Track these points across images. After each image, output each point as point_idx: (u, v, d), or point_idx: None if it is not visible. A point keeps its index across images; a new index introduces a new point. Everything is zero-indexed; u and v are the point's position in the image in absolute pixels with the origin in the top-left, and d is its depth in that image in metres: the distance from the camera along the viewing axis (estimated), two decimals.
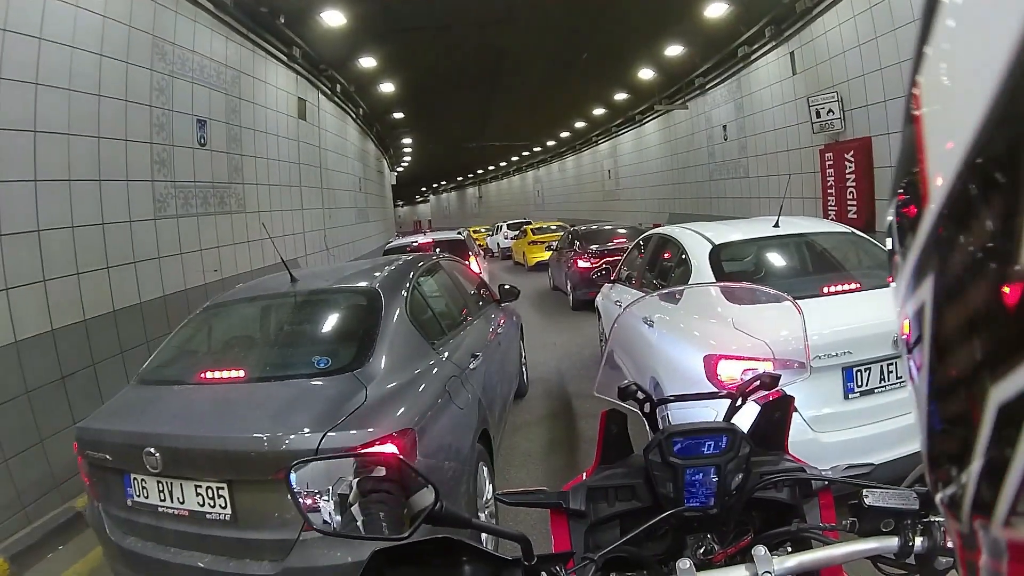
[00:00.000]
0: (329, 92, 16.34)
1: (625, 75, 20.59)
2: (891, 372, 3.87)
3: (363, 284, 4.29)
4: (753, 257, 5.28)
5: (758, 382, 1.61)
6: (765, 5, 12.97)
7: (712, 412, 1.86)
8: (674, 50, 17.15)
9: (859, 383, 3.85)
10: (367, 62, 16.62)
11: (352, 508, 1.18)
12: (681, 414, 2.10)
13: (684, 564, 1.14)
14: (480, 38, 16.16)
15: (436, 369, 3.92)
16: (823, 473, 1.42)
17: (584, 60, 18.36)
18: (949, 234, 0.41)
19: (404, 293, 4.22)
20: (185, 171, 8.14)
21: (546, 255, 19.02)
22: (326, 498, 1.19)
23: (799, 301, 1.89)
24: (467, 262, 9.51)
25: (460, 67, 18.84)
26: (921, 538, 1.16)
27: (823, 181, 11.97)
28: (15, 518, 4.76)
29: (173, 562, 3.15)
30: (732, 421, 1.52)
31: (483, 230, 35.28)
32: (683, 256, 5.34)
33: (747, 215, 11.14)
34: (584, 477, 1.56)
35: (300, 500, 1.20)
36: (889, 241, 0.53)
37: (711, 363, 3.82)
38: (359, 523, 1.17)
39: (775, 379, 1.61)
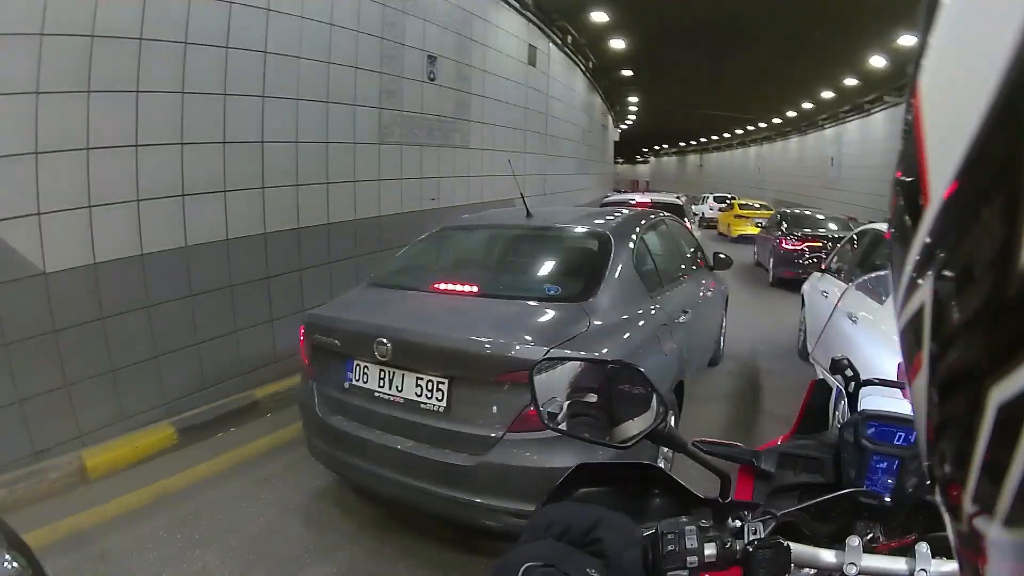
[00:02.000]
0: (560, 42, 16.11)
1: (855, 60, 18.82)
2: None
3: (596, 227, 4.43)
4: None
5: None
6: None
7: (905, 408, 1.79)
8: (908, 40, 15.35)
9: None
10: (599, 16, 16.05)
11: (582, 412, 1.24)
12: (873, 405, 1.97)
13: (854, 542, 1.08)
14: (714, 3, 15.02)
15: (650, 315, 4.04)
16: None
17: (816, 38, 16.75)
18: (948, 234, 0.40)
19: (631, 242, 4.33)
20: (412, 103, 8.25)
21: (749, 229, 21.01)
22: (560, 399, 1.25)
23: None
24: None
25: (692, 30, 17.70)
26: None
27: None
28: (196, 396, 5.09)
29: (375, 442, 3.38)
30: None
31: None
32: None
33: None
34: (778, 442, 1.56)
35: (537, 396, 1.27)
36: (888, 242, 0.50)
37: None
38: (585, 426, 1.24)
39: None
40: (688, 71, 24.02)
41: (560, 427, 1.24)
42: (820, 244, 12.22)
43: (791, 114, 32.52)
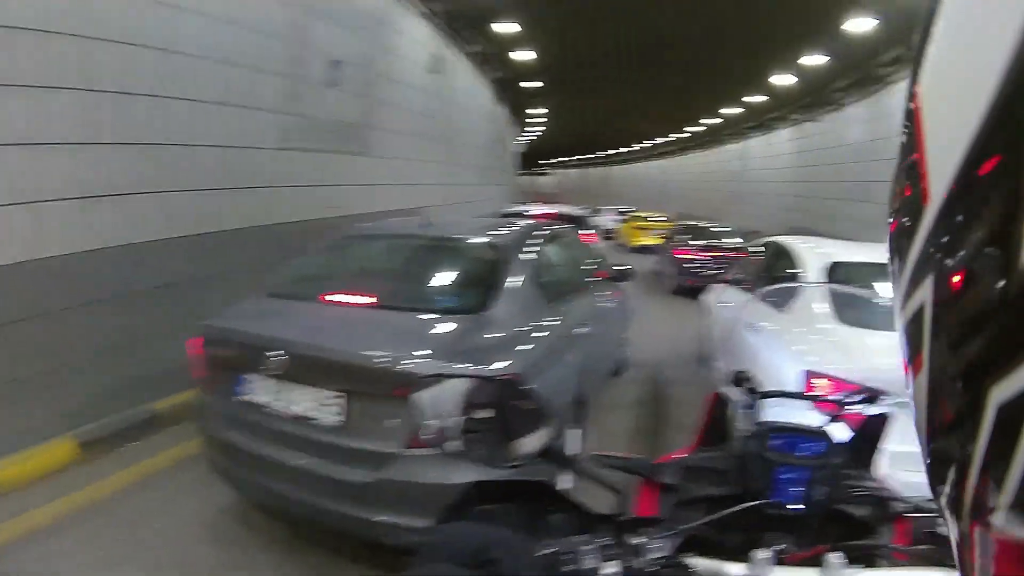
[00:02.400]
0: (466, 52, 16.14)
1: (760, 78, 19.84)
2: None
3: (493, 238, 4.44)
4: (869, 282, 4.75)
5: (861, 396, 1.63)
6: (911, 26, 11.92)
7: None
8: (813, 60, 16.41)
9: None
10: (508, 27, 16.08)
11: (470, 431, 1.26)
12: (774, 416, 1.96)
13: (760, 554, 1.07)
14: (625, 20, 15.42)
15: (549, 327, 4.03)
16: (910, 498, 1.33)
17: (724, 57, 17.49)
18: (948, 234, 0.40)
19: (529, 253, 4.34)
20: (315, 108, 7.98)
21: (648, 240, 21.75)
22: (451, 415, 1.29)
23: None
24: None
25: (601, 46, 18.14)
26: None
27: None
28: (96, 409, 4.78)
29: (272, 457, 3.27)
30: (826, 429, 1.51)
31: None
32: (797, 269, 5.12)
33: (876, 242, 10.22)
34: (679, 455, 1.55)
35: (425, 414, 1.29)
36: (888, 242, 0.51)
37: (808, 379, 3.65)
38: (474, 447, 1.21)
39: (875, 397, 1.63)
40: (595, 86, 24.62)
41: (450, 445, 1.26)
42: (720, 255, 12.77)
43: (696, 129, 33.79)
